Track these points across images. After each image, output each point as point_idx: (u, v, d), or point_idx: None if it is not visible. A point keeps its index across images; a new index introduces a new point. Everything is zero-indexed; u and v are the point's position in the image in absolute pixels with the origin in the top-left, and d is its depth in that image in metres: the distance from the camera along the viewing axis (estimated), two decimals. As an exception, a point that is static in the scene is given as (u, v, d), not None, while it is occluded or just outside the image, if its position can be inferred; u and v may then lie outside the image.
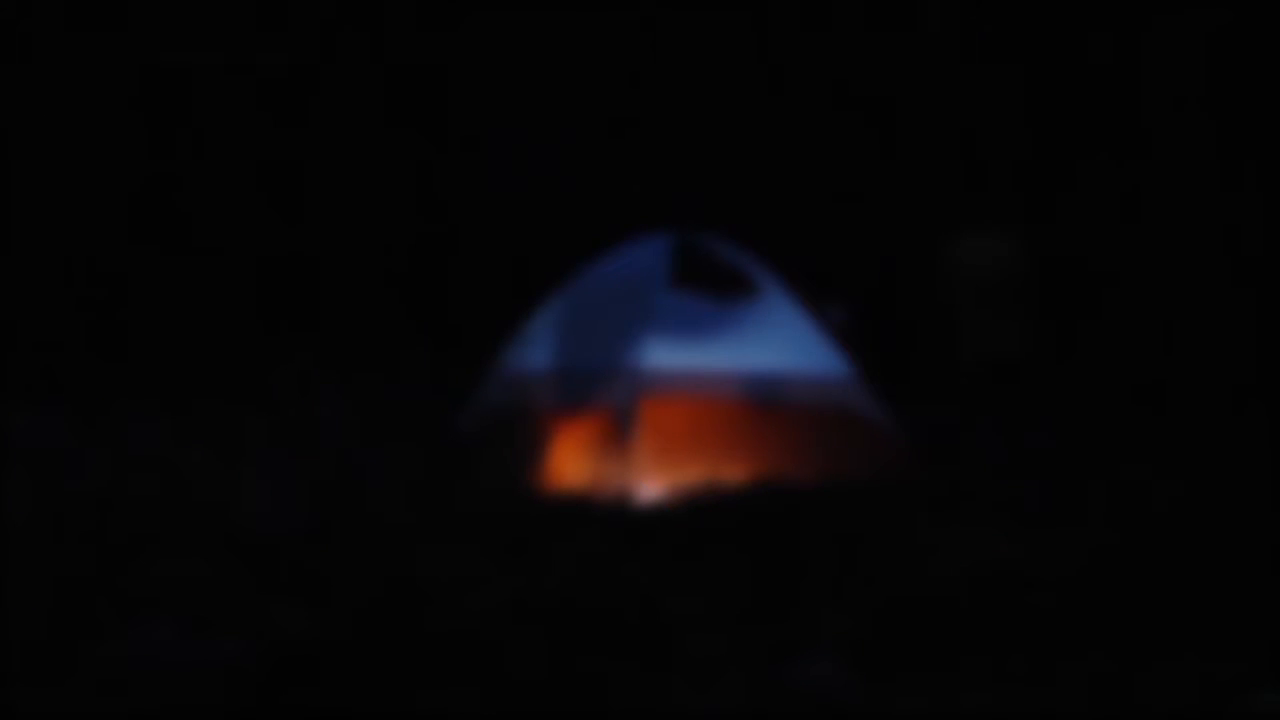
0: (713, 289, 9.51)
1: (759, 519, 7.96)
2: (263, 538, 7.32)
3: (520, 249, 14.11)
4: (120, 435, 9.48)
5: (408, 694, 5.34)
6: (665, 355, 9.18)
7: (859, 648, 5.81)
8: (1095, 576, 6.78)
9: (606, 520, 8.10)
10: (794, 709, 5.30)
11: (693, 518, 8.13)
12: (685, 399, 9.17)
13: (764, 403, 9.24)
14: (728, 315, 9.44)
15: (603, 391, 9.19)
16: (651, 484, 8.90)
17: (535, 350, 9.64)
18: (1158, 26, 13.60)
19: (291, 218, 14.69)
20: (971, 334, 9.29)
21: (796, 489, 8.64)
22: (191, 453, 9.04)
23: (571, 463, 9.14)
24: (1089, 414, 10.94)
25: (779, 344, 9.40)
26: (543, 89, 14.85)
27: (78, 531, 7.41)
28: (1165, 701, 5.29)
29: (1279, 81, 12.96)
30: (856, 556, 7.18)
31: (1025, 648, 5.82)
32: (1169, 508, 8.22)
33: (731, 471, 8.97)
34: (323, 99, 14.83)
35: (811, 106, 14.31)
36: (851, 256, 11.95)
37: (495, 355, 9.92)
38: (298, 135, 14.82)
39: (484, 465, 8.92)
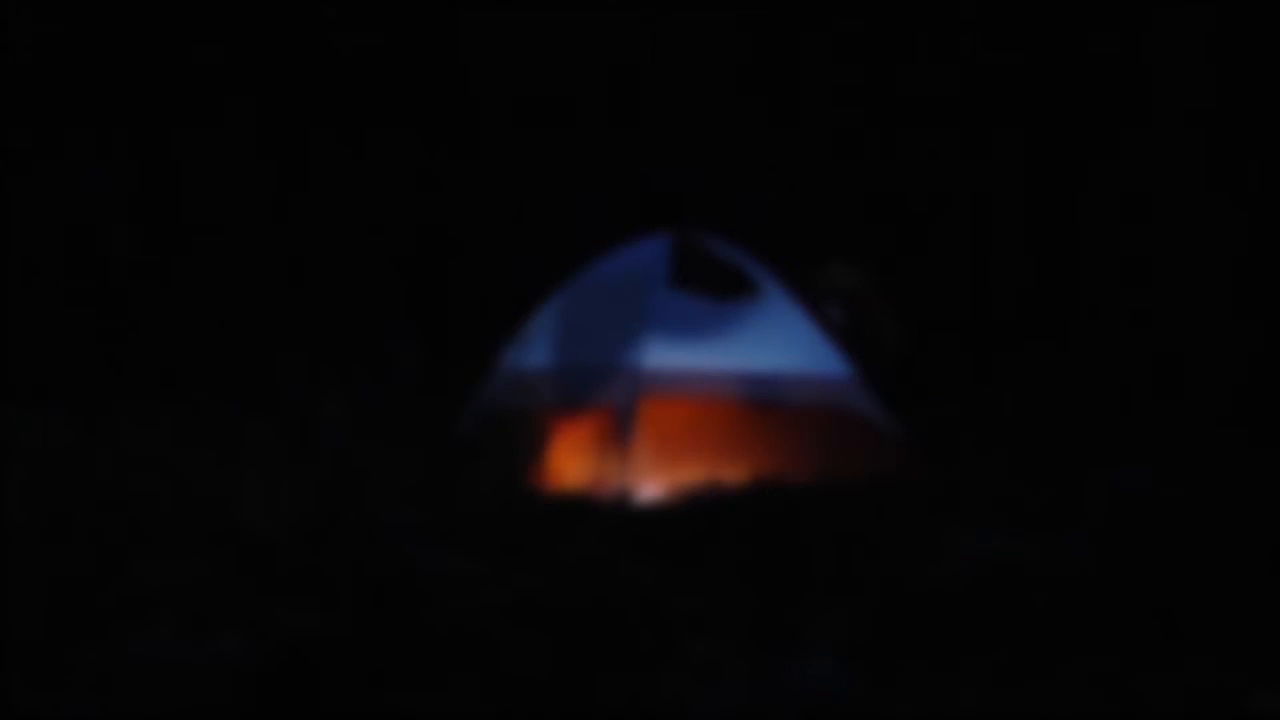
0: (712, 289, 9.51)
1: (759, 519, 7.95)
2: (263, 538, 7.32)
3: (520, 249, 14.11)
4: (120, 435, 9.47)
5: (408, 694, 5.33)
6: (665, 355, 9.19)
7: (859, 648, 5.81)
8: (1095, 576, 6.78)
9: (606, 520, 8.10)
10: (794, 709, 5.30)
11: (693, 518, 8.13)
12: (685, 399, 9.18)
13: (764, 403, 9.24)
14: (727, 315, 9.44)
15: (602, 391, 9.19)
16: (651, 484, 8.90)
17: (535, 350, 9.64)
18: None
19: (292, 217, 14.69)
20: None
21: (796, 489, 8.64)
22: (191, 453, 9.03)
23: (571, 462, 9.14)
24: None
25: (779, 344, 9.40)
26: (544, 87, 14.86)
27: (78, 531, 7.41)
28: (1166, 702, 5.29)
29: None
30: (856, 556, 7.18)
31: (1025, 648, 5.82)
32: (1162, 505, 8.24)
33: (731, 471, 8.97)
34: (322, 97, 14.82)
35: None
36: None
37: (495, 355, 9.92)
38: (297, 134, 14.81)
39: (484, 465, 8.92)
